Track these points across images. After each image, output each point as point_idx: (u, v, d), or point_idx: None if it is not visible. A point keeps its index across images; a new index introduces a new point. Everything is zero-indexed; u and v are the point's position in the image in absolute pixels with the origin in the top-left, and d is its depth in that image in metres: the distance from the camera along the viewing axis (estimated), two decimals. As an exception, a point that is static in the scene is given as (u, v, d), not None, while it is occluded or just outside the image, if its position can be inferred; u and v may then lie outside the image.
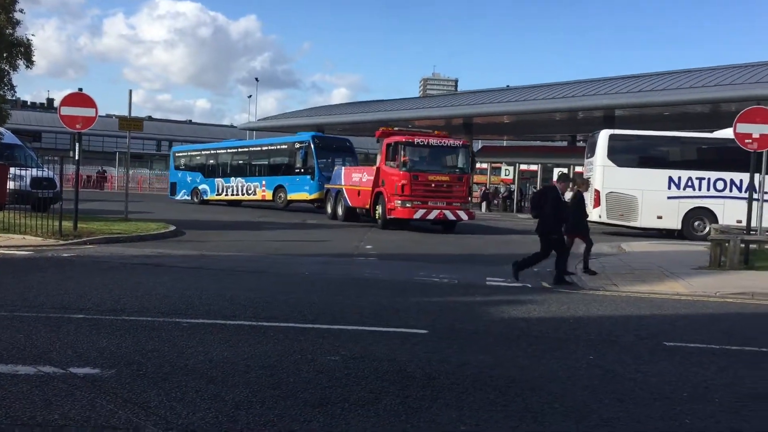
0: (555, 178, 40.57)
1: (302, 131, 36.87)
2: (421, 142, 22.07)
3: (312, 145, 29.76)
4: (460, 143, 22.98)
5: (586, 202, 12.79)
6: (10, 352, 5.70)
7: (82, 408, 4.42)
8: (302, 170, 30.09)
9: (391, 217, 21.63)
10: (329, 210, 26.90)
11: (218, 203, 35.76)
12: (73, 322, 6.92)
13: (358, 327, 7.32)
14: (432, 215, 21.42)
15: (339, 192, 26.04)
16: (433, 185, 21.47)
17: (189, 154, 40.21)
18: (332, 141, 32.17)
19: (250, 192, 33.75)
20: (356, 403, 4.77)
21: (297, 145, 31.05)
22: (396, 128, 24.58)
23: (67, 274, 10.39)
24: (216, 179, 36.14)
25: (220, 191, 35.68)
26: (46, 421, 4.21)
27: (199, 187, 37.07)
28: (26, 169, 18.65)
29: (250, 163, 35.02)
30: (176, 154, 41.05)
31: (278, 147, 33.89)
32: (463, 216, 21.92)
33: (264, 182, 32.86)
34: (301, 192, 30.13)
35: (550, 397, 5.12)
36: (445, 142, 22.48)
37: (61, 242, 14.07)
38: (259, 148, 35.58)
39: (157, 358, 5.70)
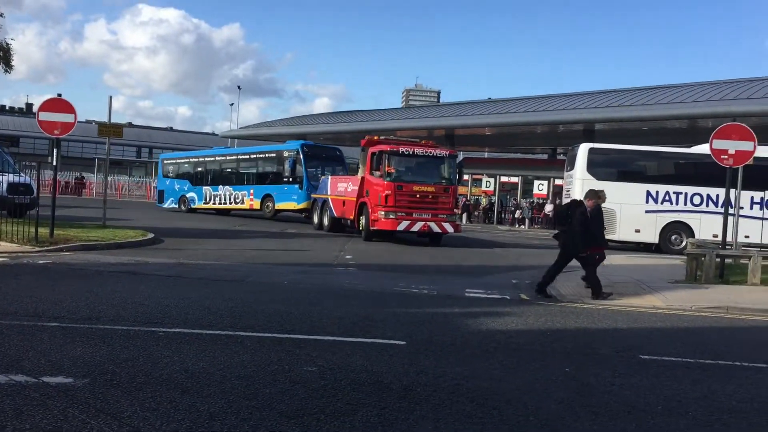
0: (536, 190, 41.24)
1: (286, 140, 36.70)
2: (406, 151, 21.47)
3: (301, 154, 29.10)
4: (447, 153, 22.29)
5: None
6: (-18, 361, 5.61)
7: (54, 418, 4.37)
8: (290, 179, 29.37)
9: (375, 228, 21.13)
10: (315, 220, 26.37)
11: (206, 212, 35.19)
12: (47, 330, 6.84)
13: (336, 337, 7.30)
14: (416, 227, 20.80)
15: (325, 202, 25.61)
16: (418, 196, 20.80)
17: (177, 161, 39.49)
18: (322, 150, 31.50)
19: (237, 201, 33.09)
20: (332, 415, 4.75)
21: (285, 154, 30.44)
22: (382, 137, 23.78)
23: (42, 281, 10.27)
24: (204, 187, 35.46)
25: (207, 200, 35.00)
26: (17, 430, 4.15)
27: (187, 196, 36.38)
28: (3, 175, 18.41)
29: (238, 171, 34.41)
30: (164, 162, 40.23)
31: (266, 155, 33.31)
32: (449, 228, 21.30)
33: (252, 191, 32.26)
34: (289, 201, 29.59)
35: (526, 410, 5.14)
36: (431, 152, 21.81)
37: (37, 249, 13.90)
38: (247, 156, 34.99)
39: (131, 367, 5.64)
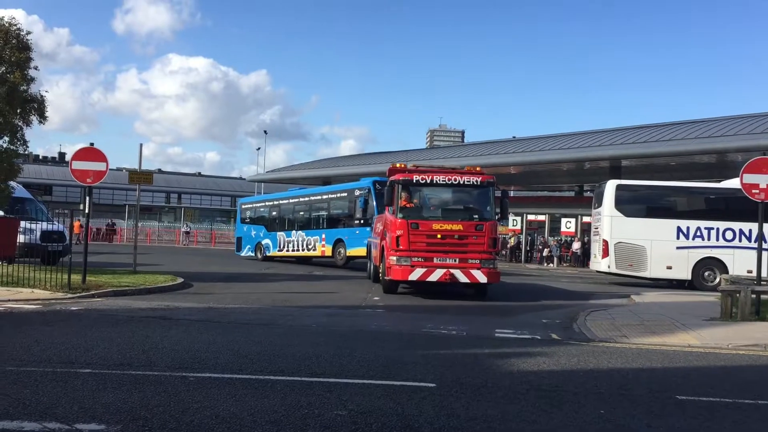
0: (563, 227, 40.96)
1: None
2: (423, 180, 17.33)
3: (373, 192, 25.55)
4: (480, 180, 17.37)
5: None
6: (16, 408, 5.67)
7: (86, 465, 4.37)
8: (363, 221, 25.86)
9: (389, 278, 17.32)
10: (370, 268, 22.37)
11: (284, 260, 32.72)
12: (80, 377, 6.89)
13: (365, 380, 7.25)
14: (435, 276, 16.55)
15: (369, 246, 23.41)
16: (439, 236, 16.65)
17: (254, 205, 37.16)
18: None
19: (310, 247, 30.27)
20: (363, 460, 4.69)
21: (357, 193, 27.28)
22: (410, 165, 19.48)
23: (75, 327, 10.37)
24: (278, 233, 32.88)
25: (281, 246, 32.43)
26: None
27: (263, 242, 34.07)
28: (36, 223, 18.77)
29: (310, 214, 31.70)
30: (242, 206, 38.04)
31: (338, 195, 30.18)
32: (480, 277, 16.58)
33: (324, 236, 29.41)
34: (362, 247, 25.85)
35: (561, 453, 5.03)
36: (456, 180, 17.36)
37: (70, 295, 14.09)
38: (318, 198, 31.92)
39: (163, 413, 5.65)
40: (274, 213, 34.22)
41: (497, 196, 17.91)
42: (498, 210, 17.69)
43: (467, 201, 17.81)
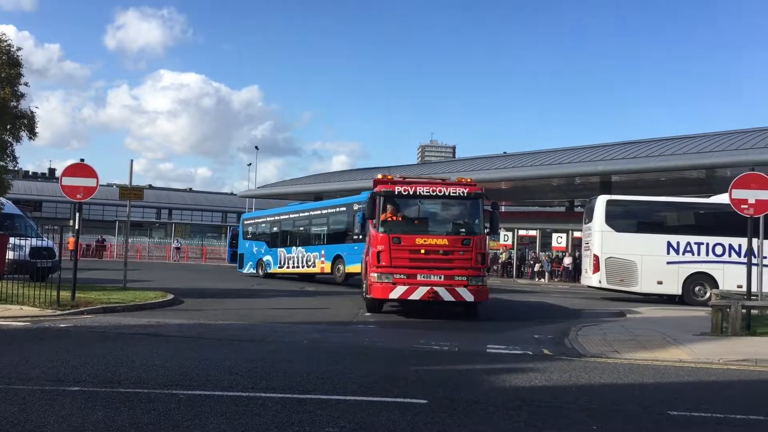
0: (554, 242, 41.05)
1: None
2: (405, 191, 16.32)
3: None
4: (467, 191, 16.40)
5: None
6: (4, 427, 5.61)
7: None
8: (362, 236, 23.55)
9: (370, 296, 16.37)
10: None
11: (285, 277, 31.64)
12: (69, 395, 6.82)
13: (357, 397, 7.21)
14: (417, 294, 15.49)
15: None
16: (422, 251, 15.66)
17: (256, 221, 36.10)
18: None
19: (309, 264, 29.27)
20: (355, 478, 4.66)
21: (355, 207, 25.84)
22: (399, 177, 17.91)
23: (64, 345, 10.29)
24: (278, 249, 32.07)
25: (282, 263, 31.53)
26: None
27: (264, 259, 33.21)
28: (26, 239, 18.66)
29: (310, 229, 30.60)
30: (244, 222, 37.01)
31: (337, 209, 28.67)
32: (466, 295, 15.59)
33: (323, 252, 28.32)
34: (360, 263, 23.78)
35: (554, 470, 5.01)
36: (442, 191, 16.38)
37: (59, 312, 13.98)
38: (318, 212, 30.58)
39: None
40: (275, 228, 33.59)
41: (487, 209, 16.93)
42: (487, 224, 16.77)
43: (454, 214, 16.87)
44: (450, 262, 15.71)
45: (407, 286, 15.55)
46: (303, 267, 29.93)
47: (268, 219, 34.64)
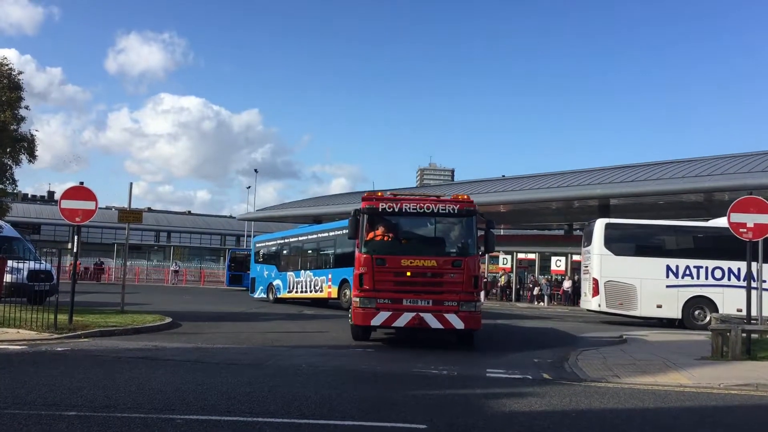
0: (553, 266, 41.01)
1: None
2: (390, 208, 14.90)
3: None
4: (457, 208, 14.97)
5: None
6: (-2, 452, 5.55)
7: None
8: None
9: (352, 323, 15.15)
10: None
11: (296, 302, 30.61)
12: (65, 420, 6.77)
13: (355, 422, 7.16)
14: (402, 321, 14.23)
15: None
16: (408, 274, 14.37)
17: (266, 243, 35.26)
18: None
19: (317, 288, 28.30)
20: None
21: None
22: (390, 194, 16.27)
23: (60, 369, 10.22)
24: (288, 273, 31.14)
25: (291, 287, 30.58)
26: None
27: (274, 283, 32.31)
28: (24, 262, 18.63)
29: (318, 252, 29.62)
30: (256, 245, 36.44)
31: (344, 232, 26.60)
32: (456, 322, 14.23)
33: (330, 276, 27.33)
34: None
35: (554, 497, 4.96)
36: (430, 208, 14.95)
37: (56, 336, 13.91)
38: (326, 235, 29.33)
39: (148, 457, 5.55)
40: (284, 251, 32.73)
41: (482, 227, 15.48)
42: (482, 243, 15.34)
43: (443, 233, 15.45)
44: (439, 286, 14.45)
45: (391, 312, 14.28)
46: (311, 291, 28.97)
47: (278, 241, 33.82)
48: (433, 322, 14.22)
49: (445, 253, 14.91)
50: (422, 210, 14.92)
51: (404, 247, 14.86)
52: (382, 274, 14.42)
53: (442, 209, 14.95)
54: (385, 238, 14.94)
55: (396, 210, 14.89)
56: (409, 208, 14.89)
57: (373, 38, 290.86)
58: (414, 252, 14.67)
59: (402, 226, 15.24)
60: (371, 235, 14.85)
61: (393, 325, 14.45)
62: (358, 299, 14.57)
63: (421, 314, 14.18)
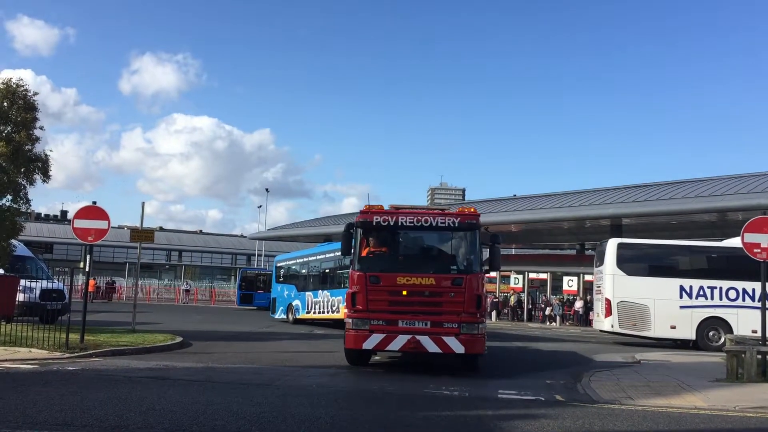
0: (565, 286, 40.78)
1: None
2: (384, 222, 13.90)
3: None
4: (457, 221, 13.92)
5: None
6: (8, 472, 5.53)
7: None
8: None
9: (345, 347, 14.11)
10: None
11: (316, 323, 29.24)
12: (75, 440, 6.74)
13: (367, 444, 7.09)
14: (396, 344, 13.19)
15: None
16: (404, 293, 13.29)
17: (287, 263, 34.34)
18: None
19: (334, 308, 26.94)
20: None
21: None
22: (390, 206, 14.85)
23: (71, 388, 10.22)
24: (306, 293, 30.19)
25: (309, 308, 29.63)
26: None
27: (293, 303, 31.41)
28: (36, 281, 18.72)
29: (336, 271, 28.11)
30: (277, 264, 35.53)
31: None
32: (455, 346, 13.12)
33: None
34: None
35: None
36: (428, 221, 13.82)
37: (67, 355, 13.93)
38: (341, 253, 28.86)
39: (158, 478, 5.51)
40: (303, 271, 31.89)
41: (486, 242, 14.48)
42: (486, 260, 14.38)
43: (443, 248, 14.49)
44: (438, 306, 13.32)
45: (384, 335, 13.23)
46: (328, 312, 27.89)
47: (298, 260, 33.01)
48: (431, 346, 13.14)
49: (445, 270, 13.82)
50: (420, 223, 13.83)
51: (400, 264, 13.85)
52: (376, 293, 13.42)
53: (442, 222, 13.87)
54: (381, 254, 14.11)
55: (391, 223, 13.88)
56: (406, 222, 13.85)
57: (384, 59, 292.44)
58: (411, 269, 13.55)
59: (398, 241, 14.31)
60: (366, 251, 14.03)
61: (387, 348, 13.45)
62: (350, 320, 13.62)
63: (418, 337, 13.12)
